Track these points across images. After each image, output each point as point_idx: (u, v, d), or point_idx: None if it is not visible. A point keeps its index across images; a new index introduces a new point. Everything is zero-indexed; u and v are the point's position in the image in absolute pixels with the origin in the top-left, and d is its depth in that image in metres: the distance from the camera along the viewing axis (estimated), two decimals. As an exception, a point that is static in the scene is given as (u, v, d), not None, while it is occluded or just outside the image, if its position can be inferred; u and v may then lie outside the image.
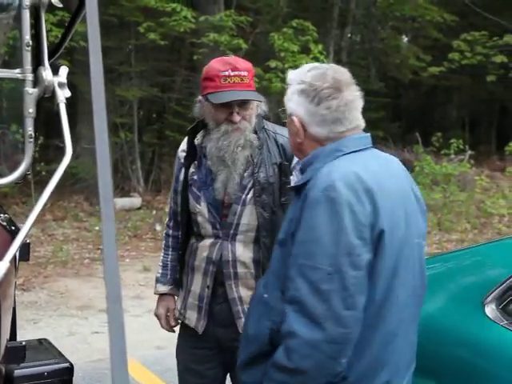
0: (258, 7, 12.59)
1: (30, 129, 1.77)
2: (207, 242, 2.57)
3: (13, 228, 2.07)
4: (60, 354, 2.22)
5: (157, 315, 2.82)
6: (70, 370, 2.11)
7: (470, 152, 12.46)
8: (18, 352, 1.94)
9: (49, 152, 9.67)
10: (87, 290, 6.49)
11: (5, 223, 2.01)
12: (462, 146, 11.52)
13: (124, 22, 10.99)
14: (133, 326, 5.42)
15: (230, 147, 2.48)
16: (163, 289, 2.78)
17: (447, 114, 19.27)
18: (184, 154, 2.66)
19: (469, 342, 2.29)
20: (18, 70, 1.79)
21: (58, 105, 1.81)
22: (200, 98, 2.59)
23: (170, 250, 2.79)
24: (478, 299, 2.28)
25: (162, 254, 2.83)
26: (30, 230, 1.65)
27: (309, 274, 1.73)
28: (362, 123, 1.94)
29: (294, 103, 1.92)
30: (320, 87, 1.89)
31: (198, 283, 2.60)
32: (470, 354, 2.30)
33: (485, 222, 9.93)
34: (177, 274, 2.75)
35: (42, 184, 9.42)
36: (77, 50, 9.38)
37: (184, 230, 2.66)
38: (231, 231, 2.53)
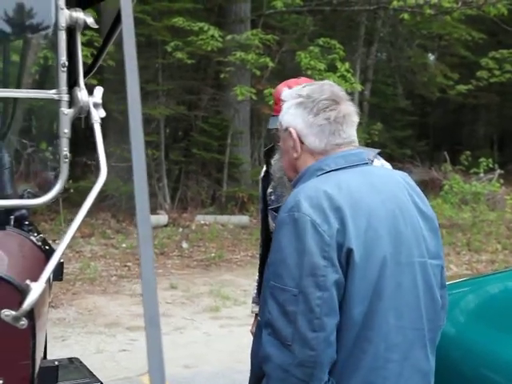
0: (285, 26, 12.65)
1: (65, 149, 1.78)
2: None
3: (47, 248, 2.08)
4: (91, 374, 2.22)
5: (253, 333, 2.89)
6: (100, 389, 2.11)
7: (499, 171, 12.32)
8: (51, 372, 1.94)
9: (77, 169, 9.77)
10: (114, 307, 6.50)
11: (40, 243, 2.02)
12: (491, 165, 11.40)
13: (151, 41, 11.10)
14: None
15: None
16: (257, 309, 2.81)
17: (475, 132, 19.11)
18: (263, 174, 2.75)
19: (506, 368, 2.24)
20: (53, 91, 1.80)
21: (92, 125, 1.82)
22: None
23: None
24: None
25: (258, 274, 2.86)
26: (64, 250, 1.66)
27: (277, 296, 1.72)
28: (356, 140, 1.91)
29: (290, 116, 1.90)
30: (318, 98, 1.87)
31: None
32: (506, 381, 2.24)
33: (515, 242, 9.79)
34: None
35: (69, 201, 9.50)
36: (104, 69, 9.49)
37: (265, 249, 2.68)
38: None
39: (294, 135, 1.88)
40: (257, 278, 2.92)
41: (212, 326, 6.02)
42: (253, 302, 2.93)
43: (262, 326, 1.77)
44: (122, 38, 1.25)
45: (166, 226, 10.27)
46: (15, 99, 2.25)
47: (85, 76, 2.51)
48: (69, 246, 9.08)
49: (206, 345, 5.52)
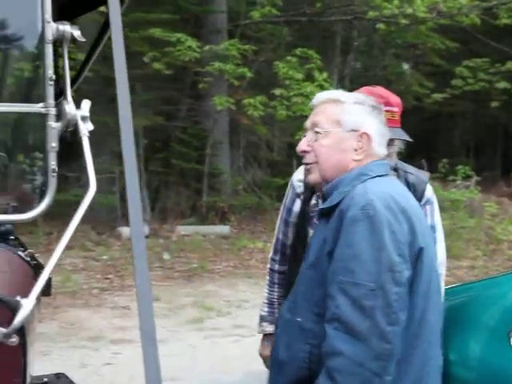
0: (262, 36, 12.70)
1: (53, 163, 1.76)
2: None
3: (35, 263, 2.06)
4: (77, 389, 2.19)
5: (262, 356, 2.66)
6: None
7: (476, 178, 12.45)
8: (40, 388, 1.91)
9: (61, 182, 9.68)
10: (97, 320, 6.44)
11: (28, 258, 1.99)
12: (468, 172, 11.53)
13: (128, 52, 11.00)
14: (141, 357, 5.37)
15: None
16: (271, 329, 2.60)
17: (451, 139, 19.31)
18: (300, 183, 2.50)
19: (494, 373, 2.25)
20: (40, 105, 1.78)
21: (80, 138, 1.81)
22: None
23: (277, 286, 2.64)
24: (503, 331, 2.25)
25: (267, 291, 2.67)
26: (54, 265, 1.64)
27: (350, 291, 1.73)
28: None
29: (363, 119, 1.95)
30: (380, 108, 2.01)
31: None
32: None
33: (494, 248, 9.88)
34: None
35: (47, 214, 9.39)
36: (84, 80, 9.43)
37: (300, 264, 2.46)
38: None
39: (367, 138, 1.95)
40: (266, 294, 2.68)
41: (196, 338, 5.99)
42: (264, 321, 2.66)
43: (327, 322, 1.76)
44: (113, 50, 1.25)
45: (146, 237, 10.20)
46: (1, 113, 2.23)
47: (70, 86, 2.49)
48: (49, 259, 8.91)
49: (191, 356, 5.48)
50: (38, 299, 2.17)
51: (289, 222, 2.55)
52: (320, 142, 1.98)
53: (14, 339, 1.57)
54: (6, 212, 2.12)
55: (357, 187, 1.86)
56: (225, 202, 11.44)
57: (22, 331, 1.61)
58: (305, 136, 2.07)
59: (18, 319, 1.56)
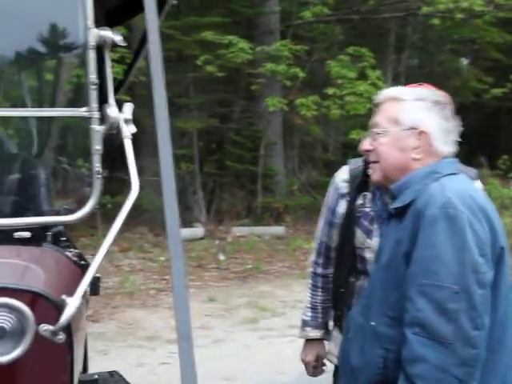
0: (314, 36, 12.66)
1: (97, 165, 1.82)
2: None
3: (82, 263, 2.12)
4: (130, 386, 2.23)
5: (304, 362, 2.62)
6: (139, 402, 2.12)
7: (538, 173, 12.10)
8: (90, 385, 1.97)
9: (114, 185, 9.89)
10: (154, 320, 6.55)
11: (75, 258, 2.05)
12: (529, 168, 11.22)
13: (182, 56, 11.21)
14: (199, 356, 5.41)
15: None
16: (315, 334, 2.58)
17: (512, 135, 18.80)
18: (344, 184, 2.45)
19: None
20: (84, 109, 1.84)
21: (122, 141, 1.85)
22: None
23: (320, 290, 2.59)
24: None
25: (310, 295, 2.61)
26: (98, 265, 1.69)
27: (432, 294, 1.67)
28: None
29: (421, 116, 1.89)
30: (445, 103, 1.92)
31: None
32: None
33: (557, 245, 9.58)
34: (328, 317, 2.57)
35: (107, 216, 9.61)
36: (137, 85, 9.60)
37: (346, 266, 2.43)
38: None
39: (426, 137, 1.89)
40: (309, 298, 2.62)
41: (251, 338, 6.02)
42: (307, 326, 2.60)
43: (407, 326, 1.70)
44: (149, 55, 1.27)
45: (202, 238, 10.32)
46: (48, 117, 2.30)
47: (116, 92, 2.56)
48: (108, 261, 9.16)
49: (246, 357, 5.51)
50: (86, 298, 2.23)
51: (333, 223, 2.50)
52: (379, 141, 1.96)
53: (61, 336, 1.62)
54: (57, 214, 2.19)
55: (432, 185, 1.80)
56: (280, 202, 11.44)
57: (68, 329, 1.66)
58: (369, 136, 2.07)
59: (64, 317, 1.61)
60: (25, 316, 1.61)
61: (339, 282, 2.47)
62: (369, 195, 2.38)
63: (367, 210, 2.37)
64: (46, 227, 2.05)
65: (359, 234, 2.37)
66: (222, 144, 12.34)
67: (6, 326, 1.61)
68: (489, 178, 11.80)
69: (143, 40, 2.22)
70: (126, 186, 11.27)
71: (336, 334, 2.53)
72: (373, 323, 1.81)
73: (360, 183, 2.41)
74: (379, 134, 1.96)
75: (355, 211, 2.40)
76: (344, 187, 2.46)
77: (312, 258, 2.65)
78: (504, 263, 1.74)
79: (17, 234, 1.80)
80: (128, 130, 1.84)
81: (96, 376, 2.10)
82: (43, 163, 2.60)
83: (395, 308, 1.76)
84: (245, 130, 11.98)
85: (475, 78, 14.79)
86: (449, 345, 1.63)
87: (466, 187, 1.81)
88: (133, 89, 9.90)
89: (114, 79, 2.00)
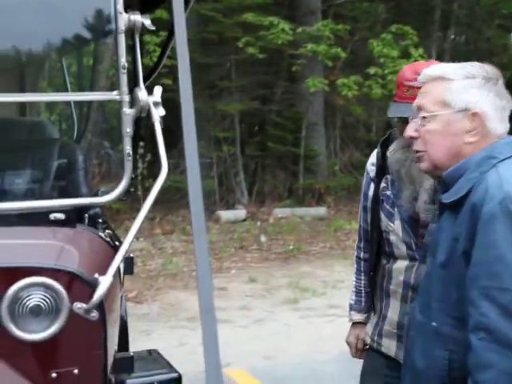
0: (356, 14, 12.50)
1: (127, 147, 1.85)
2: (403, 264, 2.33)
3: (116, 243, 2.17)
4: (169, 365, 2.25)
5: (348, 343, 2.68)
6: (178, 380, 2.14)
7: None
8: (126, 362, 2.02)
9: (156, 168, 10.04)
10: (196, 301, 6.59)
11: (108, 239, 2.11)
12: None
13: (223, 38, 11.22)
14: (240, 336, 5.50)
15: (406, 162, 2.24)
16: (358, 317, 2.63)
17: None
18: (373, 167, 2.44)
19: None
20: (115, 92, 1.88)
21: (153, 123, 1.89)
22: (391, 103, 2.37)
23: (363, 274, 2.61)
24: None
25: (355, 279, 2.65)
26: (130, 245, 1.73)
27: (497, 297, 1.58)
28: None
29: (472, 96, 1.74)
30: (496, 78, 1.77)
31: (395, 309, 2.38)
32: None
33: None
34: (371, 301, 2.58)
35: (150, 200, 9.75)
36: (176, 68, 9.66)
37: (374, 249, 2.45)
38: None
39: (481, 117, 1.73)
40: (354, 282, 2.65)
41: (291, 318, 6.07)
42: (351, 310, 2.65)
43: (471, 331, 1.62)
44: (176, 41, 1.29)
45: (244, 220, 10.39)
46: (83, 102, 2.35)
47: (150, 76, 2.59)
48: (151, 243, 9.27)
49: (286, 336, 5.57)
50: (120, 278, 2.29)
51: (367, 207, 2.50)
52: (427, 128, 1.80)
53: (94, 314, 1.68)
54: (92, 196, 2.25)
55: (489, 175, 1.67)
56: (321, 183, 11.41)
57: (101, 307, 1.72)
58: (413, 119, 1.89)
59: (97, 295, 1.66)
60: (59, 295, 1.67)
61: (371, 264, 2.49)
62: (390, 178, 2.36)
63: (388, 193, 2.36)
64: (81, 209, 2.10)
65: (383, 217, 2.38)
66: (264, 126, 12.34)
67: (42, 304, 1.67)
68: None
69: (172, 26, 2.25)
70: (169, 169, 11.38)
71: (371, 316, 2.56)
72: (434, 323, 1.74)
73: (382, 165, 2.38)
74: (425, 118, 1.80)
75: (380, 194, 2.39)
76: (373, 170, 2.45)
77: (356, 242, 2.67)
78: None
79: (52, 216, 1.85)
80: (157, 113, 1.87)
81: (131, 353, 2.16)
82: (78, 147, 2.66)
83: (458, 308, 1.69)
84: (286, 112, 11.95)
85: (523, 53, 14.41)
86: None
87: None
88: (174, 73, 9.96)
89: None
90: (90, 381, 1.77)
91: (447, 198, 1.78)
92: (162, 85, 1.99)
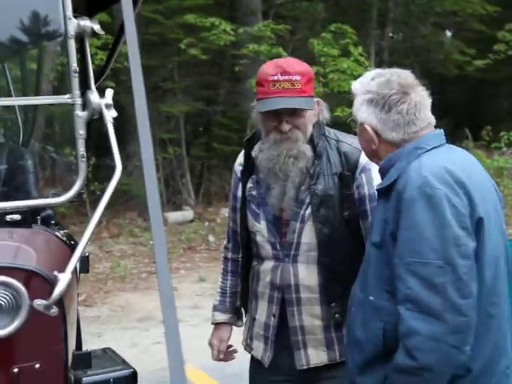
0: (296, 14, 12.69)
1: (81, 149, 1.91)
2: (269, 264, 2.34)
3: (72, 243, 2.21)
4: (124, 362, 2.30)
5: (210, 345, 2.60)
6: (133, 376, 2.20)
7: (520, 143, 12.25)
8: (84, 358, 2.07)
9: (101, 171, 9.96)
10: (146, 302, 6.66)
11: (64, 238, 2.15)
12: None
13: (165, 40, 11.22)
14: (191, 335, 5.54)
15: (280, 158, 2.24)
16: (221, 317, 2.56)
17: (497, 106, 18.92)
18: (241, 167, 2.44)
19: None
20: (67, 96, 1.93)
21: (106, 125, 1.95)
22: (253, 103, 2.34)
23: (229, 274, 2.57)
24: None
25: (221, 280, 2.61)
26: (87, 243, 1.79)
27: (419, 271, 1.75)
28: (432, 121, 1.99)
29: (363, 112, 1.96)
30: (388, 94, 1.92)
31: (263, 311, 2.38)
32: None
33: (541, 213, 9.75)
34: (237, 302, 2.56)
35: (96, 203, 9.67)
36: (121, 71, 9.64)
37: (244, 251, 2.46)
38: (292, 252, 2.30)
39: (370, 131, 1.95)
40: (220, 283, 2.60)
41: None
42: (215, 310, 2.58)
43: (400, 303, 1.79)
44: (127, 42, 1.36)
45: (191, 221, 10.43)
46: (33, 106, 2.38)
47: (98, 79, 2.64)
48: (98, 247, 9.19)
49: (237, 335, 5.62)
50: (77, 276, 2.33)
51: (236, 208, 2.49)
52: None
53: (54, 310, 1.73)
54: (46, 197, 2.28)
55: (412, 164, 1.86)
56: (267, 182, 11.52)
57: (61, 303, 1.77)
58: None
59: (57, 292, 1.72)
60: (19, 292, 1.71)
61: (243, 266, 2.51)
62: (255, 178, 2.37)
63: (254, 193, 2.37)
64: (35, 211, 2.14)
65: (250, 218, 2.37)
66: (209, 126, 12.40)
67: (2, 302, 1.71)
68: (473, 149, 11.94)
69: (122, 27, 2.30)
70: (113, 172, 11.33)
71: (246, 320, 2.55)
72: (371, 298, 1.91)
73: (247, 166, 2.39)
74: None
75: (247, 195, 2.39)
76: (239, 171, 2.46)
77: (225, 242, 2.64)
78: (484, 233, 1.81)
79: (8, 217, 1.89)
80: (109, 115, 1.93)
81: (89, 350, 2.20)
82: (26, 150, 2.68)
83: (390, 283, 1.85)
84: (230, 112, 12.03)
85: (458, 50, 14.86)
86: (439, 316, 1.73)
87: (443, 162, 1.85)
88: (117, 75, 9.91)
89: (98, 66, 2.07)
90: (51, 375, 1.82)
91: (379, 185, 1.99)
92: (106, 87, 2.04)
